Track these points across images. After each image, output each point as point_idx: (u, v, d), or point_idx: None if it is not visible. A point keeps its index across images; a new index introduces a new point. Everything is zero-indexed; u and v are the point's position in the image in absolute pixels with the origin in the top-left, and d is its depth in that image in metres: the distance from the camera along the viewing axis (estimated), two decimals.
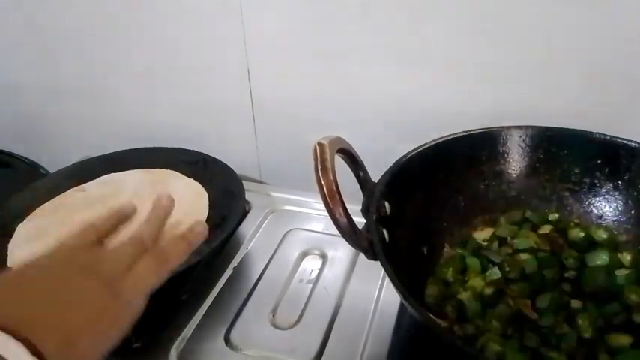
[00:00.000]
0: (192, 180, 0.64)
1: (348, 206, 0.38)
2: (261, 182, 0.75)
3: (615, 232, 0.50)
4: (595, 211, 0.51)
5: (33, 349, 0.25)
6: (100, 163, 0.69)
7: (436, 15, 0.53)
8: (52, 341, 0.27)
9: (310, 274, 0.56)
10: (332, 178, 0.38)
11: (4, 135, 0.86)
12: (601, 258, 0.46)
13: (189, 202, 0.60)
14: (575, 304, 0.43)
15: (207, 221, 0.59)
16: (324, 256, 0.58)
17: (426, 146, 0.49)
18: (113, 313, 0.32)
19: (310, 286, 0.54)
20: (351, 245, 0.39)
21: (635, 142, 0.48)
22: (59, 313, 0.29)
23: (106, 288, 0.32)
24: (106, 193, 0.63)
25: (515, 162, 0.53)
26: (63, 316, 0.29)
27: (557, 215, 0.52)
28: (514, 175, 0.53)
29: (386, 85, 0.60)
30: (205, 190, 0.63)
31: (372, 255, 0.40)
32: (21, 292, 0.29)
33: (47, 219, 0.60)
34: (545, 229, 0.50)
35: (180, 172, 0.67)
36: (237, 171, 0.64)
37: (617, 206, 0.50)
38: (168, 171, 0.67)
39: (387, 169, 0.46)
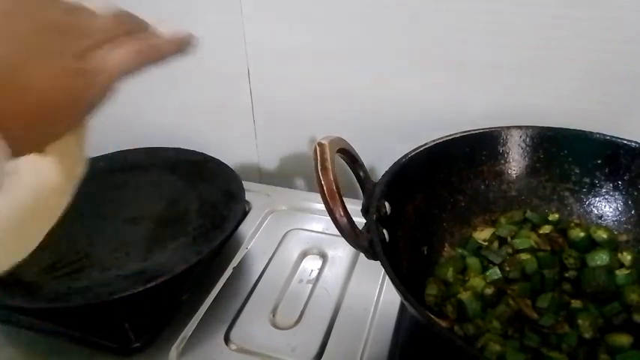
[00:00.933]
0: None
1: (348, 206, 0.38)
2: (261, 182, 0.75)
3: (615, 232, 0.50)
4: (595, 211, 0.51)
5: None
6: (101, 162, 0.69)
7: (436, 15, 0.53)
8: None
9: (310, 274, 0.56)
10: (332, 178, 0.38)
11: None
12: (601, 258, 0.46)
13: None
14: (576, 304, 0.43)
15: (207, 221, 0.59)
16: (324, 256, 0.58)
17: (426, 146, 0.49)
18: (73, 92, 0.24)
19: (310, 286, 0.54)
20: (351, 245, 0.39)
21: (635, 142, 0.48)
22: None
23: (69, 58, 0.23)
24: None
25: (516, 162, 0.53)
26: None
27: (557, 215, 0.52)
28: (514, 175, 0.53)
29: (386, 85, 0.60)
30: (205, 190, 0.63)
31: (372, 255, 0.40)
32: None
33: None
34: (546, 229, 0.50)
35: (181, 172, 0.67)
36: (237, 171, 0.64)
37: (617, 206, 0.50)
38: None
39: (387, 169, 0.46)
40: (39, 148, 0.24)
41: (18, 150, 0.21)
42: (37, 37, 0.22)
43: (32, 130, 0.23)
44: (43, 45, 0.22)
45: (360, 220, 0.41)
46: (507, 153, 0.53)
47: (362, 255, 0.40)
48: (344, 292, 0.53)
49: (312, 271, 0.56)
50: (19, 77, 0.21)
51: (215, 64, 0.66)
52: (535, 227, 0.51)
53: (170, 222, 0.60)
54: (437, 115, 0.59)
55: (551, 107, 0.55)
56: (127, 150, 0.70)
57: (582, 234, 0.48)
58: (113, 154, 0.70)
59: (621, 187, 0.50)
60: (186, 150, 0.69)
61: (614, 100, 0.53)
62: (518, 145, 0.52)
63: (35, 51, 0.22)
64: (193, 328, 0.50)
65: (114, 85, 0.27)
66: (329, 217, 0.38)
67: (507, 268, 0.46)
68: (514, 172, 0.53)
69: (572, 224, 0.51)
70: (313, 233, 0.62)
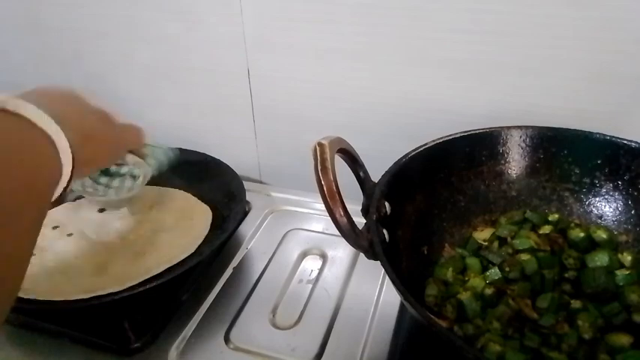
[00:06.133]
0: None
1: (348, 206, 0.38)
2: (261, 182, 0.75)
3: (615, 233, 0.50)
4: (595, 211, 0.51)
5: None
6: None
7: (436, 15, 0.53)
8: (74, 133, 0.35)
9: (310, 275, 0.56)
10: (332, 178, 0.38)
11: None
12: (601, 259, 0.46)
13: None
14: (576, 304, 0.43)
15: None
16: (324, 256, 0.58)
17: (426, 146, 0.49)
18: (113, 136, 0.44)
19: (310, 286, 0.54)
20: (351, 245, 0.39)
21: (635, 142, 0.48)
22: (80, 120, 0.38)
23: (111, 120, 0.44)
24: None
25: (516, 162, 0.53)
26: (82, 122, 0.38)
27: (557, 215, 0.52)
28: (514, 175, 0.53)
29: (386, 85, 0.60)
30: (206, 190, 0.63)
31: (372, 255, 0.40)
32: (52, 99, 0.36)
33: None
34: (546, 229, 0.50)
35: (181, 173, 0.67)
36: (237, 171, 0.64)
37: (617, 206, 0.50)
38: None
39: (387, 169, 0.46)
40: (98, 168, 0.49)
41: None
42: (104, 124, 0.43)
43: (103, 160, 0.45)
44: (106, 127, 0.43)
45: (360, 220, 0.41)
46: (507, 153, 0.53)
47: (362, 255, 0.40)
48: (344, 293, 0.53)
49: (312, 271, 0.56)
50: (102, 137, 0.42)
51: (215, 64, 0.66)
52: (535, 227, 0.51)
53: None
54: (437, 115, 0.59)
55: (551, 107, 0.55)
56: None
57: (582, 234, 0.48)
58: None
59: (621, 187, 0.50)
60: (187, 150, 0.69)
61: (614, 100, 0.53)
62: (518, 145, 0.52)
63: (106, 128, 0.43)
64: (193, 328, 0.50)
65: (129, 143, 0.49)
66: (329, 217, 0.38)
67: (507, 269, 0.46)
68: (514, 172, 0.53)
69: (572, 224, 0.51)
70: (313, 233, 0.62)
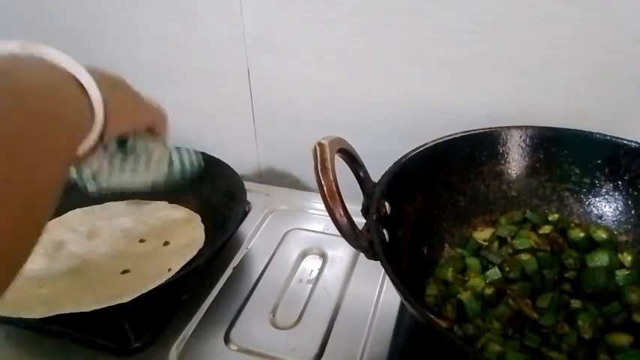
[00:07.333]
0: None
1: (348, 206, 0.38)
2: (261, 182, 0.75)
3: (615, 233, 0.50)
4: (595, 211, 0.51)
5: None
6: None
7: (436, 15, 0.53)
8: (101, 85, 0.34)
9: (310, 275, 0.56)
10: (332, 178, 0.38)
11: None
12: (601, 259, 0.46)
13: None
14: (576, 304, 0.43)
15: (208, 222, 0.60)
16: (324, 256, 0.58)
17: (426, 146, 0.49)
18: (132, 99, 0.43)
19: (310, 286, 0.54)
20: (351, 245, 0.39)
21: (635, 142, 0.48)
22: (101, 75, 0.36)
23: (130, 87, 0.44)
24: None
25: (516, 162, 0.53)
26: (105, 77, 0.37)
27: (557, 215, 0.52)
28: (514, 175, 0.53)
29: (386, 85, 0.60)
30: (206, 190, 0.63)
31: (372, 255, 0.40)
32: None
33: None
34: (546, 229, 0.50)
35: None
36: (237, 171, 0.64)
37: (617, 206, 0.50)
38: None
39: (387, 169, 0.46)
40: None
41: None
42: (122, 86, 0.43)
43: (123, 121, 0.41)
44: (125, 88, 0.43)
45: (360, 220, 0.41)
46: (507, 153, 0.53)
47: (362, 255, 0.40)
48: (344, 292, 0.53)
49: (312, 271, 0.56)
50: (122, 96, 0.41)
51: (215, 65, 0.66)
52: (535, 227, 0.51)
53: None
54: (437, 115, 0.59)
55: (551, 107, 0.55)
56: None
57: (582, 234, 0.48)
58: None
59: (621, 187, 0.50)
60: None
61: (614, 100, 0.53)
62: (518, 145, 0.52)
63: (125, 89, 0.43)
64: (193, 328, 0.50)
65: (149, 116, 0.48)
66: (329, 217, 0.38)
67: (507, 269, 0.46)
68: (514, 172, 0.53)
69: (572, 224, 0.51)
70: (313, 233, 0.62)
